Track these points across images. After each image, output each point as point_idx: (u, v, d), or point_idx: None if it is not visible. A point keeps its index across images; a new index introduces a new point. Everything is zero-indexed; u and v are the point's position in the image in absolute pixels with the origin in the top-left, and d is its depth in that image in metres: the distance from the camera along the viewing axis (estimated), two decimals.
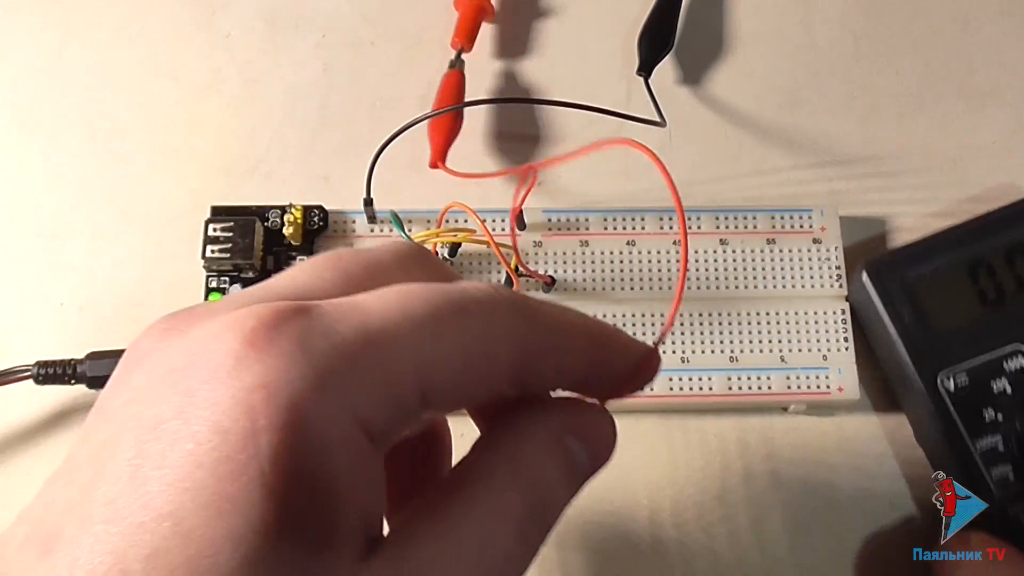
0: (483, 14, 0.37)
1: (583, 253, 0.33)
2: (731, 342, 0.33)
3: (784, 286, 0.34)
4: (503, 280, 0.33)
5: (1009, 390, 0.31)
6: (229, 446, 0.15)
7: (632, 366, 0.21)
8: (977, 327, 0.31)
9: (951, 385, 0.31)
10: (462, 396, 0.18)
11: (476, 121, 0.36)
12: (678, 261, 0.34)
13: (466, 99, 0.36)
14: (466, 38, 0.37)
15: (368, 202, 0.33)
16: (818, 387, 0.32)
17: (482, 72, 0.38)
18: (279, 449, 0.15)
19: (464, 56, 0.37)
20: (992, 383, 0.31)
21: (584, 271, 0.33)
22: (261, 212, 0.33)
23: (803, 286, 0.34)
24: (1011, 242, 0.32)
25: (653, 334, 0.33)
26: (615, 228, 0.34)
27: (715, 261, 0.34)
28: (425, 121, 0.30)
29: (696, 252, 0.34)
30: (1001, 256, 0.32)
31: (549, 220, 0.34)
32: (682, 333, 0.33)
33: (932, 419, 0.31)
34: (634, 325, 0.33)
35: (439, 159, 0.34)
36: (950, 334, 0.31)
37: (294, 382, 0.15)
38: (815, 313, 0.33)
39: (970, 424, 0.31)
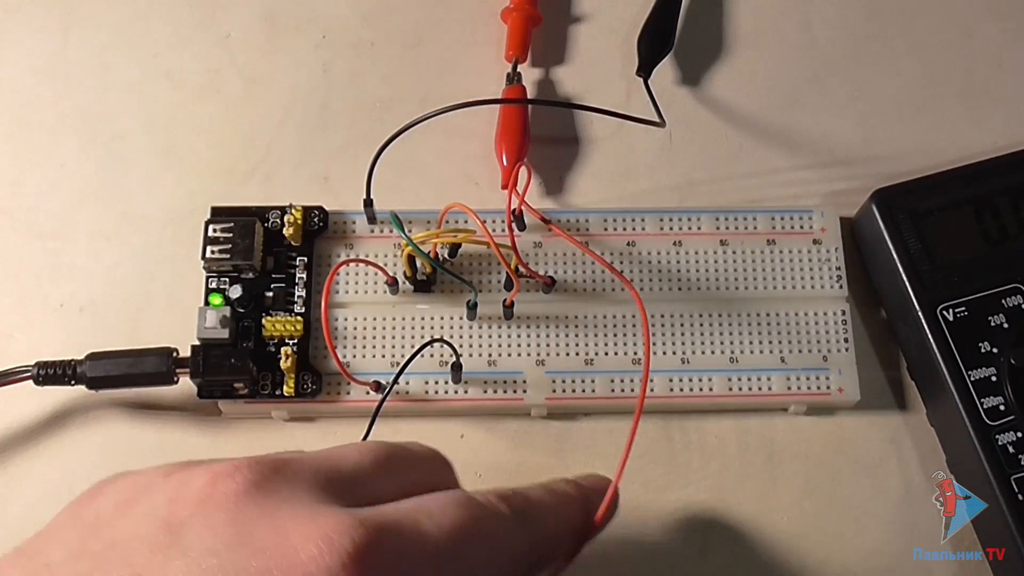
0: (533, 22, 0.37)
1: (583, 253, 0.33)
2: (731, 343, 0.33)
3: (784, 287, 0.34)
4: (503, 281, 0.33)
5: (1006, 325, 0.32)
6: None
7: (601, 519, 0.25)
8: (979, 264, 0.32)
9: (950, 315, 0.32)
10: None
11: (476, 121, 0.36)
12: (678, 262, 0.34)
13: (466, 99, 0.35)
14: (520, 49, 0.37)
15: (368, 203, 0.33)
16: (818, 388, 0.32)
17: (482, 72, 0.38)
18: None
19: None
20: (990, 318, 0.32)
21: (584, 271, 0.33)
22: (261, 213, 0.33)
23: (803, 287, 0.34)
24: (1018, 185, 0.33)
25: (653, 334, 0.33)
26: (615, 228, 0.34)
27: (715, 262, 0.34)
28: (425, 122, 0.30)
29: (696, 252, 0.34)
30: (1007, 198, 0.33)
31: (553, 221, 0.34)
32: (682, 334, 0.33)
33: (929, 349, 0.32)
34: (633, 326, 0.33)
35: (513, 183, 0.33)
36: (952, 268, 0.32)
37: None
38: (815, 314, 0.33)
39: (966, 354, 0.31)
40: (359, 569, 0.19)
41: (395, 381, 0.30)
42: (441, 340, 0.31)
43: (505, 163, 0.35)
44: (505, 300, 0.32)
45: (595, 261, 0.33)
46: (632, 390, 0.32)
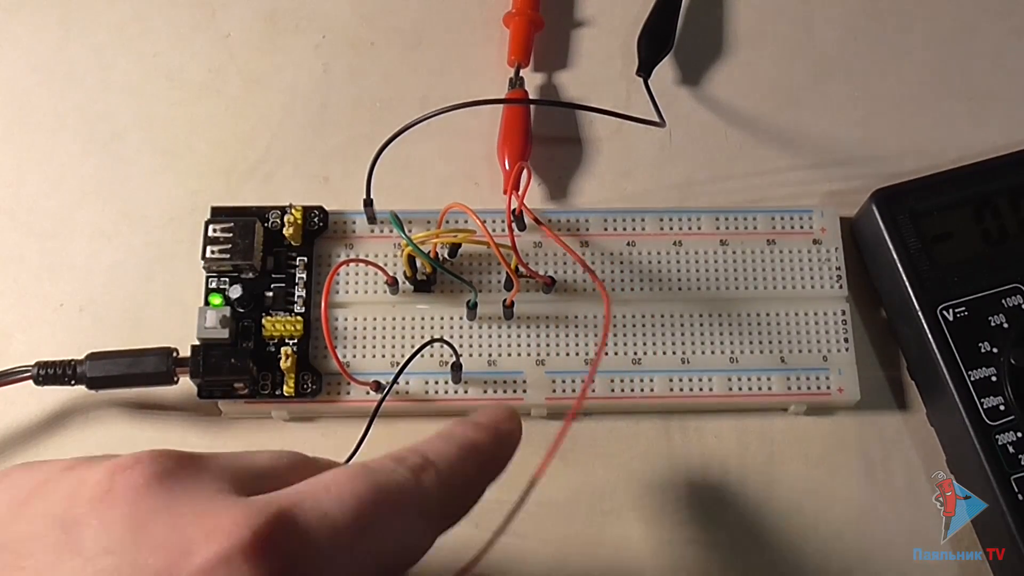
0: (535, 27, 0.37)
1: (583, 254, 0.33)
2: (731, 343, 0.33)
3: (784, 287, 0.34)
4: (503, 281, 0.33)
5: (1006, 325, 0.32)
6: None
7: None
8: (979, 264, 0.32)
9: (950, 315, 0.32)
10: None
11: (476, 121, 0.36)
12: (678, 262, 0.34)
13: (466, 100, 0.35)
14: (523, 53, 0.37)
15: (368, 203, 0.33)
16: (818, 388, 0.32)
17: (483, 73, 0.38)
18: None
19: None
20: (990, 318, 0.32)
21: (584, 272, 0.33)
22: (261, 213, 0.33)
23: (803, 287, 0.34)
24: (1017, 185, 0.33)
25: (653, 335, 0.33)
26: (615, 229, 0.34)
27: (715, 262, 0.34)
28: (425, 122, 0.30)
29: (696, 252, 0.34)
30: (1007, 198, 0.33)
31: (549, 221, 0.34)
32: (682, 334, 0.33)
33: (929, 349, 0.32)
34: (633, 326, 0.33)
35: (514, 189, 0.33)
36: (952, 268, 0.32)
37: None
38: (815, 314, 0.33)
39: (966, 354, 0.31)
40: (261, 559, 0.18)
41: (394, 381, 0.30)
42: (441, 340, 0.31)
43: (507, 168, 0.35)
44: (505, 300, 0.32)
45: (574, 261, 0.33)
46: (632, 390, 0.32)
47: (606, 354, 0.33)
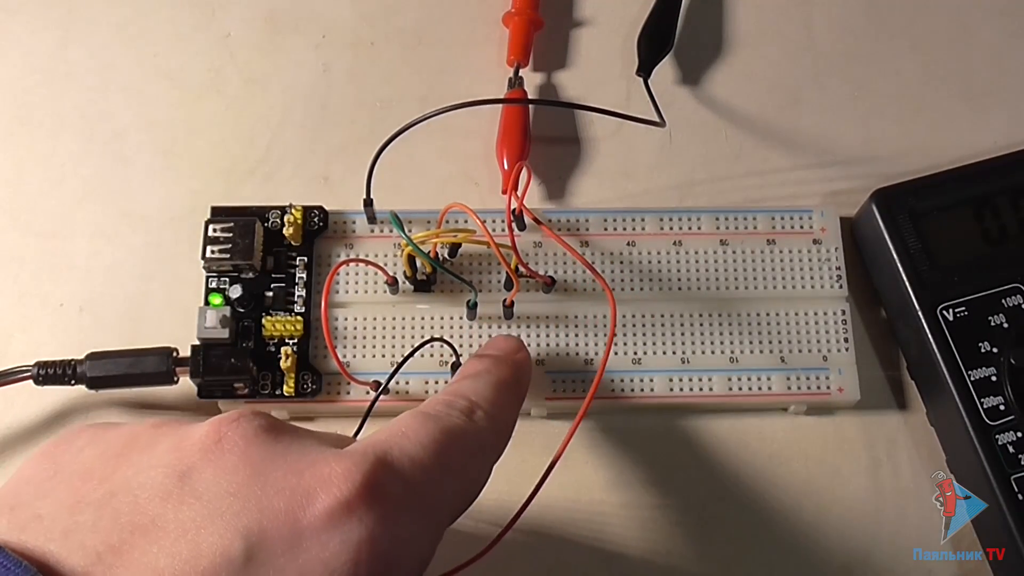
0: (534, 27, 0.37)
1: (583, 254, 0.33)
2: (731, 342, 0.33)
3: (784, 287, 0.34)
4: (503, 281, 0.33)
5: (1006, 325, 0.32)
6: None
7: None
8: (979, 264, 0.32)
9: (950, 315, 0.32)
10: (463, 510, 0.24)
11: (476, 121, 0.36)
12: (678, 262, 0.34)
13: (466, 99, 0.35)
14: (522, 53, 0.37)
15: (368, 203, 0.33)
16: (818, 388, 0.32)
17: (482, 73, 0.38)
18: None
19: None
20: (990, 318, 0.32)
21: (584, 272, 0.33)
22: (261, 213, 0.33)
23: (803, 287, 0.34)
24: (1018, 185, 0.33)
25: (653, 335, 0.33)
26: (615, 229, 0.34)
27: (715, 261, 0.34)
28: (425, 122, 0.30)
29: (696, 252, 0.34)
30: (1007, 197, 0.33)
31: (549, 221, 0.34)
32: (682, 334, 0.33)
33: (929, 349, 0.32)
34: (633, 326, 0.33)
35: (514, 189, 0.33)
36: (952, 268, 0.32)
37: (391, 539, 0.20)
38: (815, 314, 0.33)
39: (966, 354, 0.31)
40: (374, 501, 0.20)
41: (390, 379, 0.30)
42: (441, 340, 0.31)
43: (506, 168, 0.35)
44: (505, 300, 0.32)
45: (576, 260, 0.33)
46: (632, 390, 0.32)
47: (615, 354, 0.32)
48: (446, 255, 0.33)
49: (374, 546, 0.19)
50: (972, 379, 0.31)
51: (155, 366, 0.31)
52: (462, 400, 0.25)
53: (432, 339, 0.31)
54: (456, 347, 0.31)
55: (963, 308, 0.32)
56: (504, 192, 0.34)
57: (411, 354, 0.30)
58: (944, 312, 0.32)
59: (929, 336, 0.32)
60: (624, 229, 0.34)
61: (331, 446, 0.22)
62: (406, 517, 0.21)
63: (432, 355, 0.32)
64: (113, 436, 0.22)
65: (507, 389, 0.27)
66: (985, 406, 0.31)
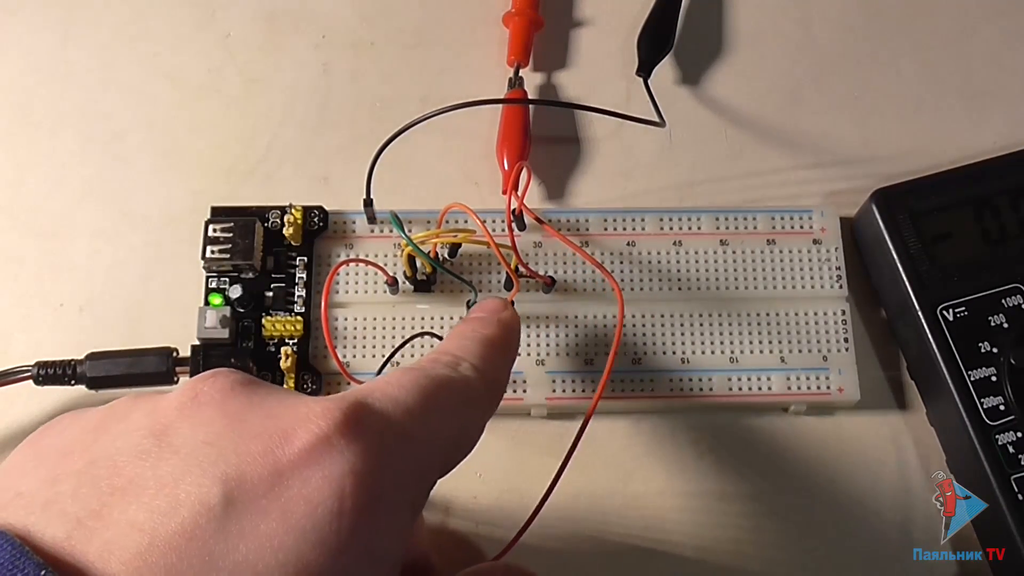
0: (535, 27, 0.37)
1: (576, 253, 0.33)
2: (731, 342, 0.33)
3: (784, 287, 0.34)
4: (503, 281, 0.33)
5: (1006, 325, 0.32)
6: (316, 519, 0.18)
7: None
8: (979, 264, 0.32)
9: (950, 315, 0.32)
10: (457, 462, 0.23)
11: (476, 121, 0.36)
12: (678, 262, 0.34)
13: (466, 100, 0.35)
14: (522, 54, 0.37)
15: (368, 203, 0.33)
16: (818, 388, 0.32)
17: (482, 73, 0.38)
18: (359, 531, 0.19)
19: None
20: (990, 318, 0.32)
21: (584, 271, 0.33)
22: (261, 213, 0.33)
23: (803, 287, 0.34)
24: (1017, 185, 0.33)
25: (653, 334, 0.33)
26: (615, 229, 0.34)
27: (715, 261, 0.34)
28: (425, 122, 0.30)
29: (696, 252, 0.34)
30: (1007, 198, 0.33)
31: (549, 221, 0.34)
32: (682, 334, 0.33)
33: (929, 349, 0.32)
34: (633, 326, 0.33)
35: (514, 189, 0.33)
36: (952, 268, 0.32)
37: (375, 473, 0.19)
38: (815, 314, 0.33)
39: (966, 354, 0.31)
40: (356, 435, 0.19)
41: (380, 370, 0.30)
42: (431, 333, 0.32)
43: (507, 168, 0.35)
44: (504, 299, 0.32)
45: (586, 261, 0.33)
46: (632, 390, 0.32)
47: (606, 354, 0.32)
48: (446, 255, 0.33)
49: (357, 479, 0.19)
50: (972, 379, 0.31)
51: (155, 366, 0.31)
52: (448, 357, 0.25)
53: (422, 333, 0.31)
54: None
55: (963, 308, 0.32)
56: (505, 192, 0.34)
57: (401, 346, 0.30)
58: (944, 312, 0.32)
59: (929, 336, 0.32)
60: (624, 229, 0.34)
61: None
62: (390, 454, 0.20)
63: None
64: (91, 413, 0.22)
65: (493, 345, 0.26)
66: (985, 406, 0.31)
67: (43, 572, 0.16)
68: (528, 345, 0.33)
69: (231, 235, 0.32)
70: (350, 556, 0.19)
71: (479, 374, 0.24)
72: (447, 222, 0.32)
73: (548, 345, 0.33)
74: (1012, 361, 0.31)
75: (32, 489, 0.19)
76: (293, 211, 0.33)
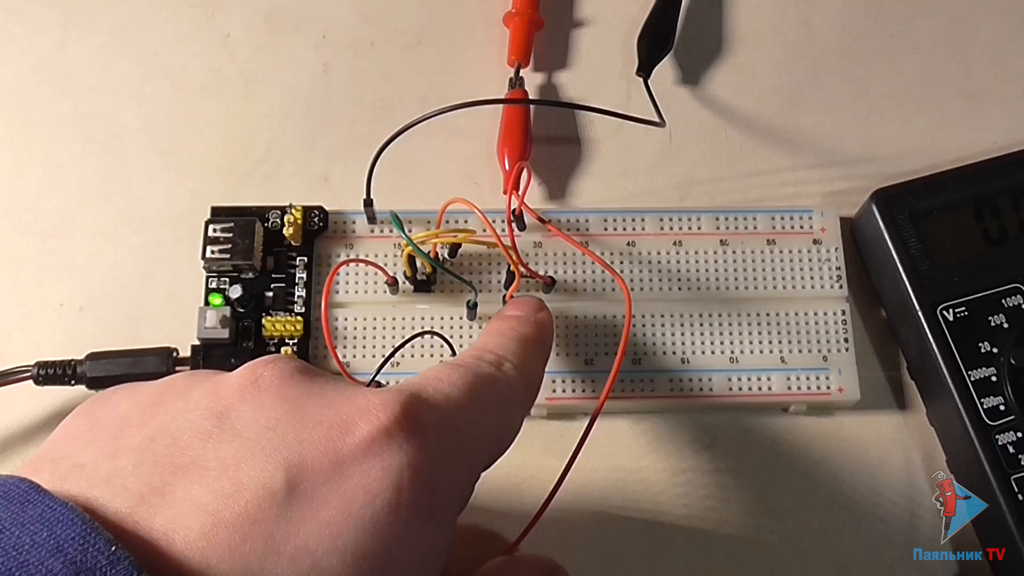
0: (535, 27, 0.37)
1: (583, 253, 0.33)
2: (731, 342, 0.33)
3: (784, 287, 0.34)
4: (503, 281, 0.33)
5: (1006, 325, 0.32)
6: (375, 509, 0.19)
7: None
8: (979, 264, 0.32)
9: (950, 315, 0.32)
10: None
11: (476, 121, 0.36)
12: (678, 262, 0.34)
13: (466, 100, 0.35)
14: (523, 54, 0.37)
15: (368, 203, 0.33)
16: (818, 388, 0.33)
17: (483, 73, 0.38)
18: (415, 522, 0.19)
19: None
20: (990, 318, 0.32)
21: (584, 272, 0.33)
22: (261, 213, 0.33)
23: (803, 287, 0.34)
24: (1018, 185, 0.33)
25: (652, 335, 0.33)
26: (615, 229, 0.34)
27: (715, 261, 0.34)
28: (425, 122, 0.30)
29: (696, 252, 0.34)
30: (1007, 198, 0.33)
31: (549, 221, 0.34)
32: (682, 334, 0.33)
33: (929, 349, 0.32)
34: (633, 326, 0.33)
35: (515, 189, 0.33)
36: (952, 268, 0.32)
37: (431, 467, 0.20)
38: (815, 314, 0.33)
39: (966, 354, 0.31)
40: (414, 429, 0.20)
41: (379, 370, 0.30)
42: (433, 332, 0.32)
43: (507, 167, 0.35)
44: (504, 297, 0.32)
45: (594, 261, 0.33)
46: (632, 390, 0.32)
47: (606, 354, 0.33)
48: (446, 255, 0.33)
49: (415, 472, 0.19)
50: (972, 379, 0.31)
51: (155, 366, 0.31)
52: (490, 355, 0.25)
53: (423, 332, 0.31)
54: (456, 347, 0.31)
55: (963, 308, 0.32)
56: (506, 192, 0.34)
57: (401, 346, 0.30)
58: (944, 312, 0.32)
59: (929, 336, 0.32)
60: (624, 229, 0.34)
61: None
62: (444, 448, 0.21)
63: (432, 354, 0.32)
64: (147, 388, 0.22)
65: (532, 345, 0.27)
66: (985, 406, 0.31)
67: (113, 548, 0.16)
68: None
69: (231, 235, 0.32)
70: (405, 547, 0.19)
71: (520, 373, 0.25)
72: (447, 221, 0.32)
73: None
74: (1012, 361, 0.31)
75: (92, 461, 0.19)
76: (293, 211, 0.33)
